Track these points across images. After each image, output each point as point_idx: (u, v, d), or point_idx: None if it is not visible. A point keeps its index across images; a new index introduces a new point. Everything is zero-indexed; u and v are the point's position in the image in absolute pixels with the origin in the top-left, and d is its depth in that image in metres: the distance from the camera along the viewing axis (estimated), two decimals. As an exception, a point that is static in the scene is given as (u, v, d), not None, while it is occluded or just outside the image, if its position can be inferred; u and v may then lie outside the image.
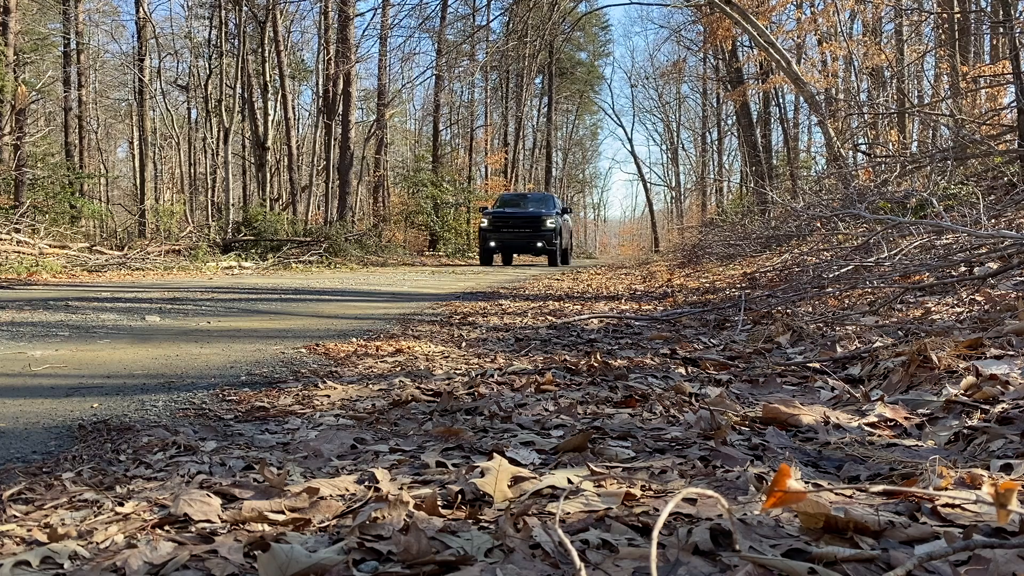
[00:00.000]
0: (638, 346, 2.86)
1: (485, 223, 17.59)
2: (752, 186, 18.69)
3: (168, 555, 0.88)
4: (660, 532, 0.85)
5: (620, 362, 2.37)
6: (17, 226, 10.16)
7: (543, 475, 1.17)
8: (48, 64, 19.53)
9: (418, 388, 1.97)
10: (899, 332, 2.59)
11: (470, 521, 0.99)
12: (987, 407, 1.52)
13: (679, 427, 1.52)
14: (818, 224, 7.08)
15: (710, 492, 0.85)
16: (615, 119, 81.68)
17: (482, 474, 1.13)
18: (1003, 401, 1.53)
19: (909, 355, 1.94)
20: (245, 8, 18.52)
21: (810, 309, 3.62)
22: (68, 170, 15.20)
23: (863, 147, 11.60)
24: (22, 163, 12.93)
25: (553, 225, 17.34)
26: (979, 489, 1.03)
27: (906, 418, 1.55)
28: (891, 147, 11.10)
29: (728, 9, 12.33)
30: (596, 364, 2.28)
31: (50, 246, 10.15)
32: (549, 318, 3.99)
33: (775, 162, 20.74)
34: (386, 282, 8.04)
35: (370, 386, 2.03)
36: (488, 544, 0.90)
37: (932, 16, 13.57)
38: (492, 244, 17.47)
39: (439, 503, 1.04)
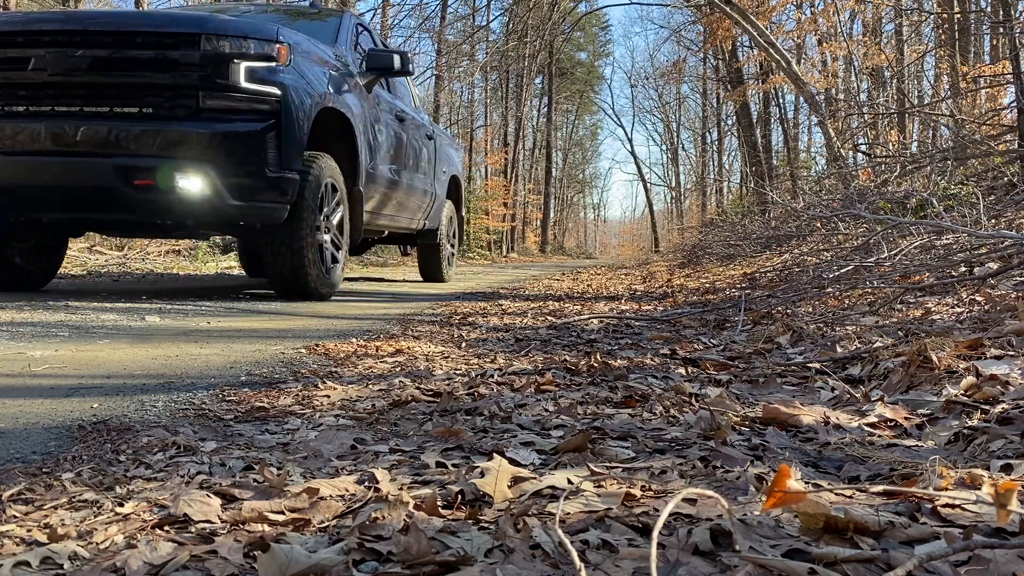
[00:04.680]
0: (638, 346, 2.86)
1: None
2: (752, 186, 18.62)
3: (168, 555, 0.88)
4: (660, 532, 0.85)
5: (620, 362, 2.37)
6: (17, 226, 10.07)
7: (543, 475, 1.17)
8: (48, 64, 19.46)
9: (418, 388, 1.97)
10: (899, 332, 2.59)
11: (470, 521, 0.99)
12: (987, 407, 1.52)
13: (679, 427, 1.52)
14: (818, 224, 7.08)
15: (710, 492, 0.85)
16: (615, 119, 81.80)
17: (482, 474, 1.13)
18: (1003, 401, 1.53)
19: (909, 355, 1.94)
20: (245, 8, 18.50)
21: (810, 309, 3.61)
22: (68, 170, 15.08)
23: (863, 147, 11.60)
24: (22, 163, 12.81)
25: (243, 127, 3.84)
26: (979, 489, 1.03)
27: (906, 418, 1.55)
28: (891, 147, 11.10)
29: (728, 9, 12.33)
30: (596, 364, 2.28)
31: (50, 246, 10.13)
32: (549, 318, 3.98)
33: (775, 162, 20.73)
34: (386, 282, 8.04)
35: (370, 386, 2.03)
36: (488, 544, 0.90)
37: (932, 16, 13.57)
38: None
39: (439, 503, 1.04)
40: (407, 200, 6.21)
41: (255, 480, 1.17)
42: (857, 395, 1.78)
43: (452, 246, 7.91)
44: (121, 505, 1.06)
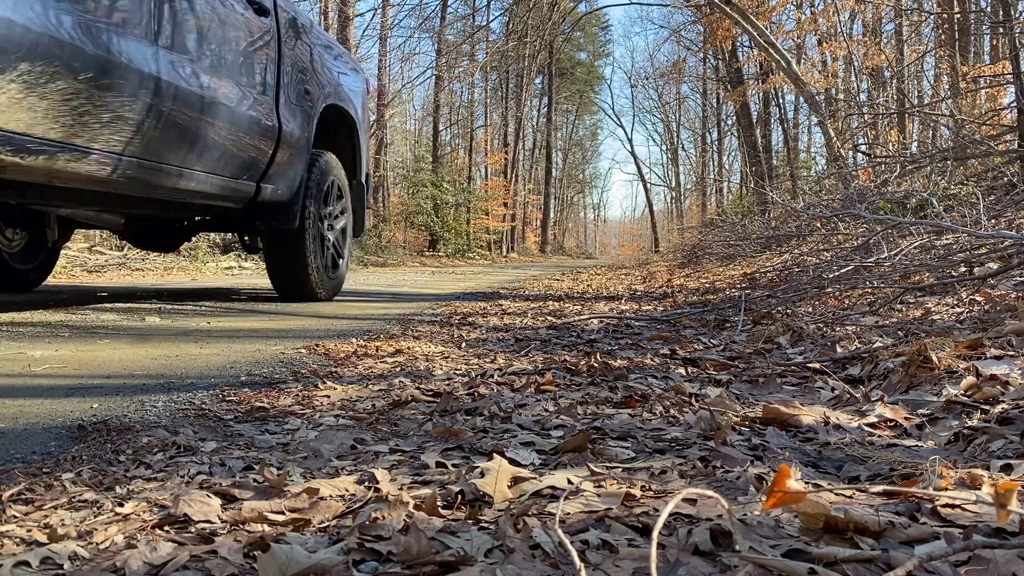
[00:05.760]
0: (638, 346, 2.86)
1: None
2: (752, 186, 18.61)
3: (168, 555, 0.88)
4: (660, 532, 0.85)
5: (620, 362, 2.37)
6: (17, 226, 10.06)
7: (543, 475, 1.17)
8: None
9: (418, 388, 1.97)
10: (899, 332, 2.59)
11: (470, 521, 0.99)
12: (987, 407, 1.52)
13: (679, 427, 1.52)
14: (818, 224, 7.08)
15: (710, 492, 0.85)
16: (615, 119, 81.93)
17: (482, 474, 1.13)
18: (1003, 401, 1.53)
19: (909, 355, 1.94)
20: (245, 8, 18.46)
21: (810, 309, 3.61)
22: (67, 170, 15.01)
23: (863, 147, 11.60)
24: (21, 163, 12.76)
25: None
26: (979, 489, 1.03)
27: (906, 418, 1.55)
28: (891, 147, 11.10)
29: (728, 9, 12.33)
30: (596, 364, 2.28)
31: (50, 246, 10.14)
32: (549, 318, 3.98)
33: (775, 162, 20.73)
34: (386, 282, 8.04)
35: (370, 386, 2.03)
36: (488, 544, 0.90)
37: (932, 16, 13.57)
38: None
39: (439, 503, 1.04)
40: (172, 119, 3.10)
41: (255, 480, 1.17)
42: (857, 395, 1.78)
43: (342, 236, 4.52)
44: (121, 505, 1.06)
